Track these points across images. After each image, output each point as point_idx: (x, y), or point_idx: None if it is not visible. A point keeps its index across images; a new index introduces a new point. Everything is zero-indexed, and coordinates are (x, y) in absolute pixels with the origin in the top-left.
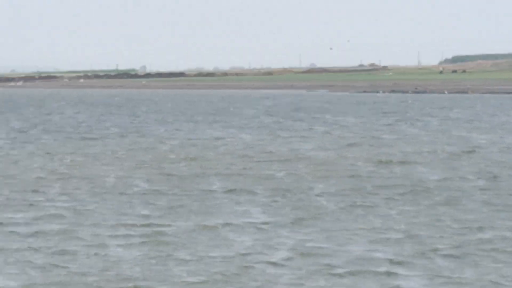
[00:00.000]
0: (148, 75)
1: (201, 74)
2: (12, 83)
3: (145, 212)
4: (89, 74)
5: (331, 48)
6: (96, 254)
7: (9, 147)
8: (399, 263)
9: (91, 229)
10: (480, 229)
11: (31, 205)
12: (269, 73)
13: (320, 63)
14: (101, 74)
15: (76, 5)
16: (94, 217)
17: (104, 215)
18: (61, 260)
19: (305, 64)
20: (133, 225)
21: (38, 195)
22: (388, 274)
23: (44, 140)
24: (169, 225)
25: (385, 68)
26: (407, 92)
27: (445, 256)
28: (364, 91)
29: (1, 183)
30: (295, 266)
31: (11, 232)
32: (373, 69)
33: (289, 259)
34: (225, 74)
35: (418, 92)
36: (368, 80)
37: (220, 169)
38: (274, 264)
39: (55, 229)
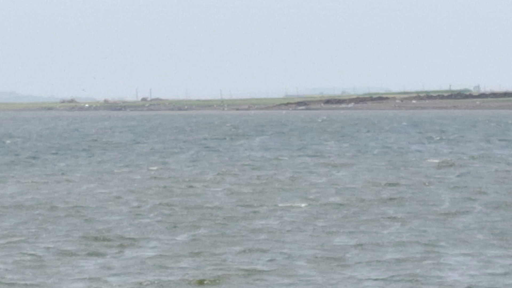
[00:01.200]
0: (482, 95)
1: None
2: (343, 105)
3: (480, 237)
4: (421, 94)
5: None
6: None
7: (336, 170)
8: None
9: (429, 251)
10: None
11: (355, 232)
12: None
13: None
14: (434, 94)
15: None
16: (430, 238)
17: (439, 237)
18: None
19: None
20: (469, 254)
21: (367, 224)
22: None
23: (368, 162)
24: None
25: None
26: None
27: None
28: None
29: (332, 208)
30: None
31: (344, 265)
32: None
33: None
34: None
35: None
36: None
37: None
38: None
39: (397, 257)
